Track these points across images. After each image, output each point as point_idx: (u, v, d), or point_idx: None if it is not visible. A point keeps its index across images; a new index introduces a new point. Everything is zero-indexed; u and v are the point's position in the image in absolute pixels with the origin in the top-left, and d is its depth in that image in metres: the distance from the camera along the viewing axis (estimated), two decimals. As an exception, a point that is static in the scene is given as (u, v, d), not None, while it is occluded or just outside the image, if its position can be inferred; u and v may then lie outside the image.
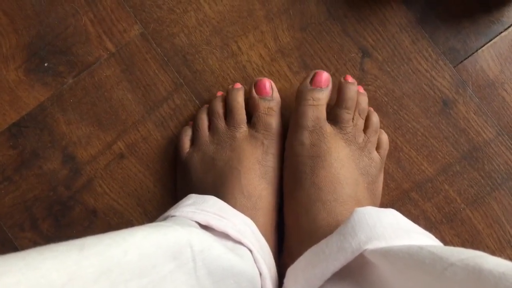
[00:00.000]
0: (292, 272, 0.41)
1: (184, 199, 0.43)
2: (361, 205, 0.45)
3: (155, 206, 0.53)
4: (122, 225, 0.53)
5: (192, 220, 0.39)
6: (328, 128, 0.47)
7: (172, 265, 0.31)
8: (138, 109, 0.53)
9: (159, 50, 0.54)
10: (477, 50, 0.53)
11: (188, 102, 0.54)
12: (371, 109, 0.51)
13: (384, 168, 0.52)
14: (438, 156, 0.53)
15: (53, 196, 0.53)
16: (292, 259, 0.42)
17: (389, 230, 0.37)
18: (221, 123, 0.49)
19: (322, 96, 0.47)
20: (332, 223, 0.43)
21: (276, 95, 0.50)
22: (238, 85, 0.51)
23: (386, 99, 0.53)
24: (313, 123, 0.47)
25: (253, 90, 0.49)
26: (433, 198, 0.52)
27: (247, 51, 0.54)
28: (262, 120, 0.48)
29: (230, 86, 0.51)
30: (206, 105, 0.52)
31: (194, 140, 0.50)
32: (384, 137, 0.50)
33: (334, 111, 0.48)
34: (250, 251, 0.41)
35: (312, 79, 0.48)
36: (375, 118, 0.50)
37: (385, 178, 0.52)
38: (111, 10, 0.54)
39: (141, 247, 0.29)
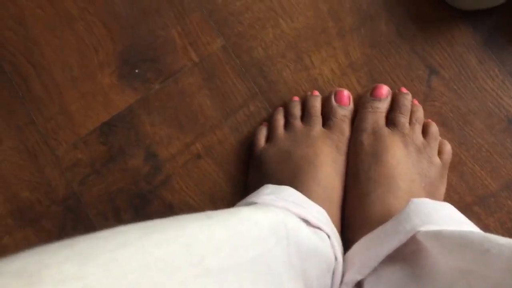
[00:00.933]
0: (348, 256, 0.43)
1: (261, 189, 0.45)
2: (411, 197, 0.46)
3: (226, 204, 0.57)
4: (195, 221, 0.56)
5: (273, 206, 0.41)
6: (386, 130, 0.50)
7: (274, 239, 0.33)
8: (216, 114, 0.57)
9: (238, 61, 0.58)
10: (544, 72, 0.54)
11: (262, 110, 0.57)
12: (430, 120, 0.53)
13: (448, 181, 0.53)
14: (502, 172, 0.53)
15: (135, 190, 0.57)
16: (348, 247, 0.45)
17: (443, 218, 0.39)
18: (297, 122, 0.52)
19: (380, 105, 0.52)
20: (385, 213, 0.45)
21: (352, 105, 0.53)
22: (316, 93, 0.54)
23: (451, 115, 0.55)
24: (372, 126, 0.51)
25: (333, 99, 0.53)
26: (496, 213, 0.53)
27: (319, 65, 0.57)
28: (338, 125, 0.52)
29: (308, 93, 0.54)
30: (281, 107, 0.55)
31: (269, 137, 0.53)
32: (447, 146, 0.52)
33: (392, 117, 0.51)
34: (328, 237, 0.43)
35: (372, 91, 0.52)
36: (433, 127, 0.52)
37: (448, 191, 0.53)
38: (197, 24, 0.59)
39: (256, 220, 0.32)
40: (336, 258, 0.43)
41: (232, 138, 0.57)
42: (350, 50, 0.57)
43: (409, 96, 0.52)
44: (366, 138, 0.50)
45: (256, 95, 0.57)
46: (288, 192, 0.45)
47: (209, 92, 0.58)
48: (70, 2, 0.60)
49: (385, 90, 0.52)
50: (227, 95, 0.58)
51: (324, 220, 0.45)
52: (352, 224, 0.48)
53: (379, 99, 0.52)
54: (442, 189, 0.52)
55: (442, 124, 0.54)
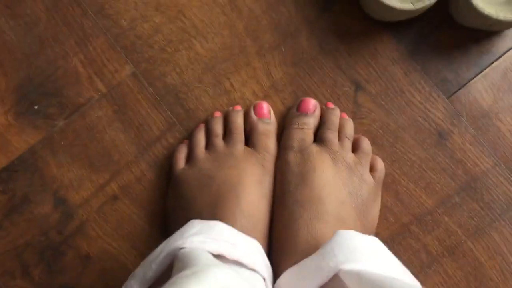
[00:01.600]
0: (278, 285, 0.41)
1: (187, 227, 0.41)
2: (346, 224, 0.44)
3: (151, 248, 0.50)
4: (117, 269, 0.50)
5: (204, 251, 0.38)
6: (314, 148, 0.48)
7: None
8: (131, 149, 0.52)
9: (151, 89, 0.52)
10: (469, 81, 0.52)
11: (182, 140, 0.52)
12: (361, 136, 0.50)
13: (382, 201, 0.51)
14: (437, 188, 0.51)
15: (45, 242, 0.50)
16: (276, 276, 0.43)
17: (368, 255, 0.37)
18: (218, 141, 0.49)
19: (308, 120, 0.49)
20: (311, 241, 0.43)
21: (273, 118, 0.50)
22: (238, 107, 0.50)
23: (381, 132, 0.52)
24: (299, 144, 0.48)
25: (252, 112, 0.49)
26: (434, 231, 0.51)
27: (240, 88, 0.52)
28: (261, 142, 0.48)
29: (230, 108, 0.50)
30: (202, 124, 0.51)
31: (189, 157, 0.49)
32: (379, 162, 0.49)
33: (319, 133, 0.49)
34: (264, 279, 0.40)
35: (298, 106, 0.49)
36: (364, 142, 0.49)
37: (384, 212, 0.51)
38: (101, 50, 0.53)
39: None
40: None
41: (151, 174, 0.51)
42: (272, 70, 0.52)
43: (336, 111, 0.50)
44: (292, 157, 0.47)
45: (174, 125, 0.52)
46: (218, 229, 0.41)
47: (121, 125, 0.52)
48: (-48, 32, 0.52)
49: (312, 104, 0.49)
50: (141, 127, 0.52)
51: (259, 257, 0.41)
52: (279, 249, 0.45)
53: (306, 114, 0.49)
54: (376, 208, 0.49)
55: (372, 142, 0.51)
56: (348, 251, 0.37)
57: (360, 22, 0.53)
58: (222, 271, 0.33)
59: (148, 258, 0.39)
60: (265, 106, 0.50)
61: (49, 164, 0.51)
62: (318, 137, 0.49)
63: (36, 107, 0.52)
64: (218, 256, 0.38)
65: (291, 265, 0.41)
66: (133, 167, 0.51)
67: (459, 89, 0.52)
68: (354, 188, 0.47)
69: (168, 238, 0.40)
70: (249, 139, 0.49)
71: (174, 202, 0.49)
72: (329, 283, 0.37)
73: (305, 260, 0.39)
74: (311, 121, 0.49)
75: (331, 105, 0.50)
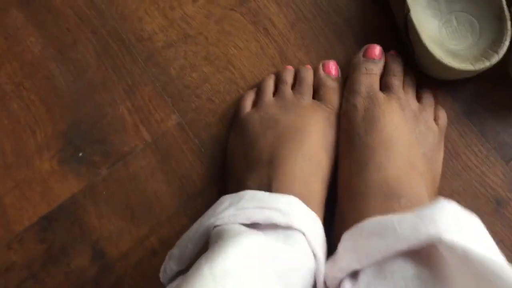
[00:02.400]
0: (349, 237, 0.37)
1: (218, 203, 0.40)
2: (416, 170, 0.43)
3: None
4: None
5: (236, 224, 0.37)
6: (381, 94, 0.46)
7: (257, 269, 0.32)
8: (172, 202, 0.50)
9: (196, 140, 0.51)
10: (530, 145, 0.49)
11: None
12: (426, 89, 0.50)
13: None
14: (494, 259, 0.47)
15: (81, 295, 0.48)
16: (344, 223, 0.40)
17: (473, 232, 0.33)
18: (288, 89, 0.49)
19: (375, 66, 0.48)
20: (383, 185, 0.41)
21: (340, 77, 0.50)
22: (309, 66, 0.51)
23: (434, 197, 0.49)
24: (366, 89, 0.47)
25: (321, 69, 0.49)
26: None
27: (288, 143, 0.50)
28: (328, 96, 0.48)
29: (301, 66, 0.51)
30: (273, 74, 0.51)
31: (256, 102, 0.49)
32: (442, 111, 0.49)
33: (385, 80, 0.48)
34: (303, 233, 0.38)
35: (365, 52, 0.49)
36: (427, 92, 0.49)
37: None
38: (149, 99, 0.51)
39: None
40: (315, 256, 0.38)
41: (193, 229, 0.49)
42: (321, 126, 0.50)
43: (400, 59, 0.49)
44: (361, 102, 0.46)
45: (218, 179, 0.50)
46: (247, 197, 0.39)
47: (164, 176, 0.50)
48: (3, 75, 0.52)
49: (378, 50, 0.49)
50: (184, 180, 0.50)
51: (296, 211, 0.39)
52: (347, 195, 0.43)
53: (373, 60, 0.48)
54: (440, 157, 0.48)
55: (425, 206, 0.48)
56: (452, 222, 0.33)
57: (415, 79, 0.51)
58: (248, 238, 0.33)
59: (184, 237, 0.39)
60: (333, 65, 0.50)
61: (90, 214, 0.50)
62: (384, 83, 0.48)
63: (80, 154, 0.51)
64: (255, 224, 0.37)
65: (359, 207, 0.40)
66: (174, 221, 0.49)
67: (519, 153, 0.49)
68: (421, 135, 0.46)
69: (202, 216, 0.40)
70: (316, 93, 0.49)
71: (236, 142, 0.48)
72: (422, 251, 0.33)
73: (397, 216, 0.35)
74: (378, 67, 0.48)
75: (395, 53, 0.50)
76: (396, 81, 0.48)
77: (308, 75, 0.49)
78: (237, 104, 0.50)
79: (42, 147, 0.51)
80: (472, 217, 0.35)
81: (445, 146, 0.49)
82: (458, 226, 0.33)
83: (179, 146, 0.51)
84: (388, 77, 0.48)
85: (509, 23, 0.46)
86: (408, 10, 0.47)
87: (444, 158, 0.49)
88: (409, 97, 0.47)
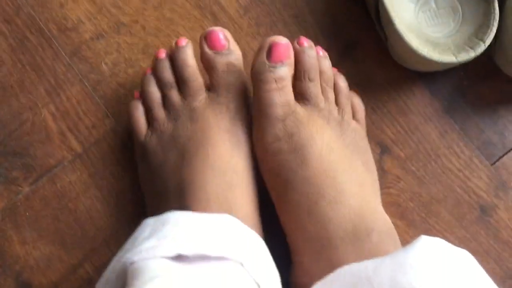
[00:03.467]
0: None
1: (139, 230, 0.33)
2: (365, 190, 0.37)
3: None
4: None
5: (157, 258, 0.30)
6: (300, 110, 0.37)
7: None
8: (109, 222, 0.42)
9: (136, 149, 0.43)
10: (517, 144, 0.43)
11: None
12: (336, 73, 0.41)
13: None
14: (478, 275, 0.42)
15: (4, 335, 0.41)
16: (308, 275, 0.35)
17: (458, 274, 0.29)
18: (174, 94, 0.39)
19: (285, 73, 0.37)
20: (346, 223, 0.35)
21: (235, 46, 0.39)
22: (184, 41, 0.39)
23: (411, 205, 0.43)
24: (284, 110, 0.37)
25: (205, 45, 0.38)
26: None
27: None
28: (222, 81, 0.38)
29: (173, 43, 0.39)
30: (149, 71, 0.40)
31: (149, 120, 0.40)
32: (356, 100, 0.41)
33: (299, 87, 0.38)
34: (241, 263, 0.31)
35: (270, 53, 0.36)
36: (342, 82, 0.40)
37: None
38: (77, 102, 0.43)
39: None
40: (258, 286, 0.31)
41: (135, 252, 0.42)
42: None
43: (313, 52, 0.38)
44: (281, 129, 0.37)
45: (163, 194, 0.42)
46: (172, 221, 0.32)
47: (99, 192, 0.43)
48: None
49: (286, 47, 0.37)
50: (123, 196, 0.43)
51: (230, 234, 0.32)
52: (303, 244, 0.37)
53: (281, 64, 0.36)
54: (370, 154, 0.41)
55: (400, 217, 0.42)
56: (436, 266, 0.28)
57: (387, 70, 0.44)
58: (162, 284, 0.27)
59: (101, 280, 0.33)
60: (219, 34, 0.38)
61: (11, 240, 0.42)
62: (298, 91, 0.38)
63: (-4, 169, 0.42)
64: (179, 258, 0.31)
65: (330, 262, 0.34)
66: (112, 245, 0.42)
67: (505, 153, 0.43)
68: (351, 143, 0.39)
69: (120, 250, 0.33)
70: (209, 80, 0.39)
71: (144, 175, 0.40)
72: None
73: (371, 262, 0.30)
74: (290, 72, 0.37)
75: (306, 42, 0.38)
76: (314, 88, 0.38)
77: (188, 63, 0.38)
78: (130, 125, 0.41)
79: (-51, 162, 0.42)
80: (460, 253, 0.30)
81: (424, 148, 0.43)
82: (443, 270, 0.28)
83: (115, 156, 0.43)
84: (303, 84, 0.38)
85: (496, 5, 0.39)
86: (379, -9, 0.39)
87: (422, 161, 0.43)
88: (330, 104, 0.39)
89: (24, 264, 0.42)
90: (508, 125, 0.44)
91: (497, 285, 0.38)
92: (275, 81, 0.36)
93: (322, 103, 0.38)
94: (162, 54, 0.40)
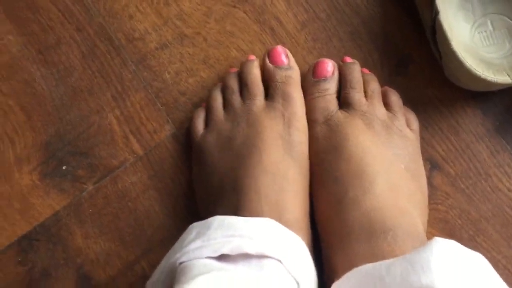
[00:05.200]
0: None
1: (186, 233, 0.36)
2: (399, 192, 0.38)
3: None
4: None
5: (203, 258, 0.33)
6: (341, 114, 0.41)
7: None
8: (166, 223, 0.44)
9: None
10: None
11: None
12: (387, 88, 0.43)
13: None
14: (525, 296, 0.41)
15: (64, 323, 0.43)
16: (332, 269, 0.36)
17: (472, 278, 0.29)
18: (235, 98, 0.42)
19: (327, 86, 0.42)
20: (364, 222, 0.36)
21: (294, 64, 0.43)
22: (253, 57, 0.43)
23: (460, 222, 0.43)
24: (323, 115, 0.41)
25: (267, 60, 0.42)
26: None
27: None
28: (279, 90, 0.41)
29: (244, 60, 0.43)
30: (220, 84, 0.44)
31: (208, 121, 0.43)
32: (412, 113, 0.43)
33: (343, 96, 0.41)
34: (279, 261, 0.33)
35: (314, 71, 0.42)
36: (393, 94, 0.43)
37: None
38: (140, 107, 0.45)
39: None
40: (298, 283, 0.33)
41: (188, 253, 0.44)
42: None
43: (357, 66, 0.42)
44: (319, 131, 0.41)
45: (217, 198, 0.44)
46: (215, 224, 0.35)
47: (157, 194, 0.44)
48: (-21, 78, 0.46)
49: (329, 65, 0.42)
50: (180, 199, 0.45)
51: (271, 236, 0.34)
52: (327, 236, 0.39)
53: (325, 79, 0.41)
54: (422, 166, 0.42)
55: (448, 234, 0.43)
56: (448, 267, 0.29)
57: (440, 88, 0.45)
58: (210, 278, 0.29)
59: (152, 278, 0.35)
60: (281, 51, 0.42)
61: (74, 234, 0.44)
62: (343, 99, 0.41)
63: (64, 167, 0.45)
64: (225, 255, 0.33)
65: (345, 255, 0.35)
66: (168, 244, 0.43)
67: (557, 176, 0.43)
68: (398, 148, 0.40)
69: (169, 251, 0.36)
70: (268, 91, 0.42)
71: (198, 174, 0.43)
72: None
73: (386, 263, 0.31)
74: (332, 85, 0.42)
75: (349, 59, 0.43)
76: (356, 94, 0.41)
77: (252, 72, 0.42)
78: (188, 127, 0.44)
79: (21, 159, 0.45)
80: (473, 256, 0.31)
81: (474, 166, 0.43)
82: (455, 272, 0.29)
83: (174, 161, 0.45)
84: (346, 92, 0.41)
85: (554, 28, 0.39)
86: (437, 12, 0.40)
87: (472, 179, 0.43)
88: (376, 108, 0.41)
89: (85, 257, 0.44)
90: (561, 147, 0.43)
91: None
92: (318, 92, 0.41)
93: (365, 107, 0.41)
94: (234, 69, 0.44)
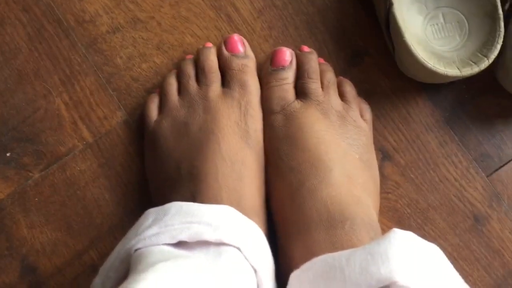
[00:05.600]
0: (296, 279, 0.33)
1: (142, 219, 0.35)
2: (353, 180, 0.39)
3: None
4: None
5: (159, 245, 0.32)
6: (297, 104, 0.41)
7: None
8: (116, 212, 0.43)
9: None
10: (513, 158, 0.44)
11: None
12: (342, 78, 0.44)
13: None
14: (469, 282, 0.43)
15: (7, 316, 0.42)
16: (289, 260, 0.37)
17: (429, 268, 0.30)
18: (192, 83, 0.42)
19: (285, 75, 0.42)
20: (322, 211, 0.36)
21: (250, 52, 0.43)
22: (210, 44, 0.43)
23: (409, 211, 0.44)
24: (279, 104, 0.41)
25: (223, 48, 0.42)
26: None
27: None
28: (236, 78, 0.41)
29: (200, 46, 0.43)
30: (174, 70, 0.44)
31: (162, 107, 0.42)
32: (364, 103, 0.44)
33: (300, 85, 0.42)
34: (238, 248, 0.33)
35: (272, 60, 0.42)
36: (348, 85, 0.43)
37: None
38: (90, 92, 0.44)
39: None
40: (255, 271, 0.33)
41: (139, 242, 0.43)
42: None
43: (314, 55, 0.43)
44: (275, 120, 0.41)
45: (169, 187, 0.43)
46: (173, 211, 0.34)
47: (107, 182, 0.43)
48: None
49: (287, 54, 0.42)
50: (131, 186, 0.44)
51: (229, 223, 0.34)
52: (284, 228, 0.39)
53: (283, 68, 0.42)
54: (374, 155, 0.43)
55: (397, 222, 0.44)
56: (406, 258, 0.30)
57: (393, 80, 0.45)
58: (165, 267, 0.29)
59: (105, 265, 0.35)
60: (238, 39, 0.42)
61: (19, 224, 0.43)
62: (299, 89, 0.42)
63: (8, 154, 0.43)
64: (182, 242, 0.33)
65: (304, 244, 0.36)
66: (117, 233, 0.43)
67: (501, 166, 0.45)
68: (352, 138, 0.41)
69: (124, 237, 0.35)
70: (224, 79, 0.42)
71: (151, 161, 0.42)
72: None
73: (346, 253, 0.31)
74: (290, 74, 0.42)
75: (306, 49, 0.43)
76: (312, 83, 0.41)
77: (209, 58, 0.42)
78: (141, 112, 0.43)
79: (-38, 145, 0.43)
80: (429, 247, 0.32)
81: (423, 156, 0.44)
82: (412, 262, 0.30)
83: (125, 148, 0.44)
84: (303, 81, 0.42)
85: (502, 23, 0.40)
86: (391, 4, 0.40)
87: (421, 169, 0.44)
88: (331, 98, 0.42)
89: (30, 247, 0.43)
90: (505, 139, 0.45)
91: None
92: (275, 80, 0.41)
93: (321, 97, 0.41)
94: (190, 56, 0.43)
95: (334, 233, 0.35)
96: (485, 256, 0.44)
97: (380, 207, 0.43)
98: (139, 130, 0.44)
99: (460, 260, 0.43)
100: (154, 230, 0.33)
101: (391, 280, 0.28)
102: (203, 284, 0.29)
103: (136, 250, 0.32)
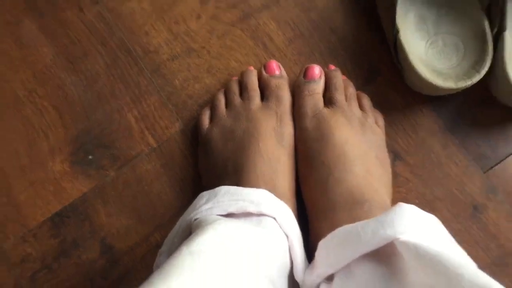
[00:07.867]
0: (323, 246, 0.40)
1: (198, 199, 0.43)
2: (372, 174, 0.45)
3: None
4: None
5: (213, 215, 0.40)
6: (326, 111, 0.48)
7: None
8: (175, 203, 0.52)
9: (197, 147, 0.52)
10: (506, 157, 0.51)
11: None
12: (360, 92, 0.51)
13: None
14: (469, 262, 0.50)
15: (90, 286, 0.51)
16: (315, 237, 0.42)
17: (427, 230, 0.36)
18: (237, 98, 0.50)
19: (316, 86, 0.49)
20: (347, 196, 0.43)
21: (284, 73, 0.51)
22: (251, 68, 0.52)
23: (417, 202, 0.51)
24: (312, 110, 0.48)
25: (263, 71, 0.51)
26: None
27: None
28: (273, 93, 0.49)
29: (244, 69, 0.52)
30: (222, 89, 0.52)
31: (212, 118, 0.51)
32: (378, 113, 0.51)
33: (328, 96, 0.49)
34: (274, 218, 0.41)
35: (305, 74, 0.50)
36: (365, 98, 0.51)
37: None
38: (154, 108, 0.53)
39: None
40: (287, 236, 0.41)
41: (193, 228, 0.51)
42: (314, 135, 0.52)
43: (339, 73, 0.51)
44: (308, 124, 0.48)
45: (218, 183, 0.52)
46: (222, 192, 0.42)
47: (168, 179, 0.52)
48: (18, 83, 0.54)
49: (317, 70, 0.50)
50: (186, 183, 0.52)
51: (267, 201, 0.41)
52: (315, 214, 0.45)
53: (314, 80, 0.49)
54: (387, 155, 0.50)
55: (408, 212, 0.50)
56: (408, 222, 0.36)
57: (402, 94, 0.53)
58: (222, 224, 0.36)
59: (170, 235, 0.42)
60: (274, 64, 0.51)
61: (99, 212, 0.52)
62: (327, 99, 0.49)
63: (90, 157, 0.53)
64: (230, 215, 0.41)
65: (331, 222, 0.42)
66: (177, 220, 0.51)
67: (496, 164, 0.51)
68: (369, 140, 0.48)
69: (184, 213, 0.43)
70: (264, 95, 0.50)
71: (204, 160, 0.50)
72: (382, 247, 0.36)
73: (362, 223, 0.37)
74: (319, 86, 0.49)
75: (333, 67, 0.51)
76: (338, 95, 0.49)
77: (251, 79, 0.50)
78: (195, 123, 0.52)
79: (54, 150, 0.53)
80: (428, 216, 0.38)
81: (429, 157, 0.51)
82: (413, 226, 0.36)
83: (182, 152, 0.53)
84: (330, 93, 0.49)
85: (491, 45, 0.48)
86: (397, 31, 0.48)
87: (427, 167, 0.51)
88: (353, 107, 0.49)
89: (108, 231, 0.52)
90: (499, 141, 0.51)
91: (483, 270, 0.46)
92: (308, 91, 0.49)
93: (345, 106, 0.49)
94: (235, 77, 0.52)
95: (355, 213, 0.42)
96: (483, 239, 0.50)
97: (393, 199, 0.50)
98: (193, 138, 0.53)
99: (462, 243, 0.49)
100: (208, 205, 0.41)
101: (394, 237, 0.35)
102: (252, 237, 0.37)
103: (195, 219, 0.40)
